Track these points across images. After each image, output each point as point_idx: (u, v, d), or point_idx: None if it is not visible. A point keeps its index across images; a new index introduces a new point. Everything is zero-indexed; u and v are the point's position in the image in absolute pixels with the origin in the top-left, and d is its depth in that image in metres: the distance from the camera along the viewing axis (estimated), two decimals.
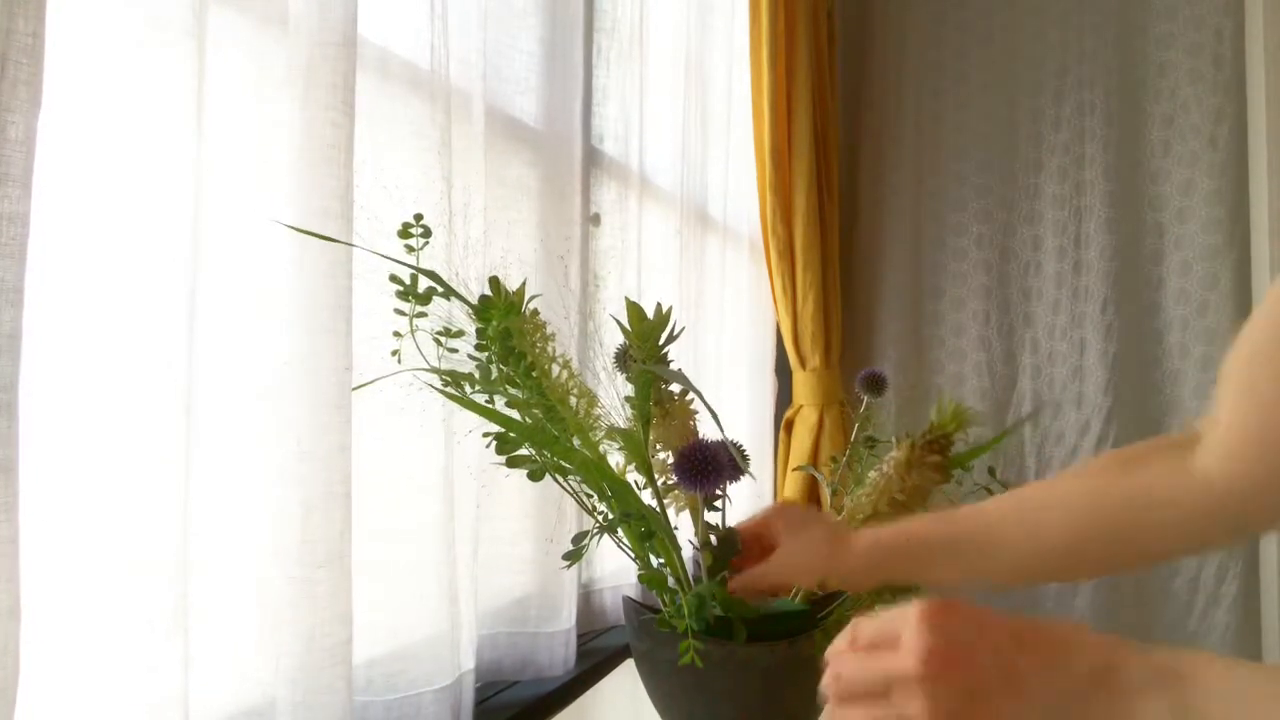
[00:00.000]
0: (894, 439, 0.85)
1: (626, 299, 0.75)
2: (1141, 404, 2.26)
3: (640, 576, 0.77)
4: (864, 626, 0.52)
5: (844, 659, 0.51)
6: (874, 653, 0.50)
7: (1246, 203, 2.17)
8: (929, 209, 2.41)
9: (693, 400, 0.81)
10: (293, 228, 0.69)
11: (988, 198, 2.36)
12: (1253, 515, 0.68)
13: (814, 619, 0.82)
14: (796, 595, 0.82)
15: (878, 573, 0.77)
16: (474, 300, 0.70)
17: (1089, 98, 2.28)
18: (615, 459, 0.78)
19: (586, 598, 1.31)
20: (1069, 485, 0.74)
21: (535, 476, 0.74)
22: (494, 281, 0.71)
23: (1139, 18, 2.25)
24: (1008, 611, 0.48)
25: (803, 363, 2.08)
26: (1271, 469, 0.65)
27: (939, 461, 0.83)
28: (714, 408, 0.77)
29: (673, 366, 0.80)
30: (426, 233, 0.68)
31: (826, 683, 0.52)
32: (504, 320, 0.69)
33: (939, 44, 2.43)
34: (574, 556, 0.77)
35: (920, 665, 0.46)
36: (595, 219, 1.26)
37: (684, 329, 0.79)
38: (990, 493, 0.87)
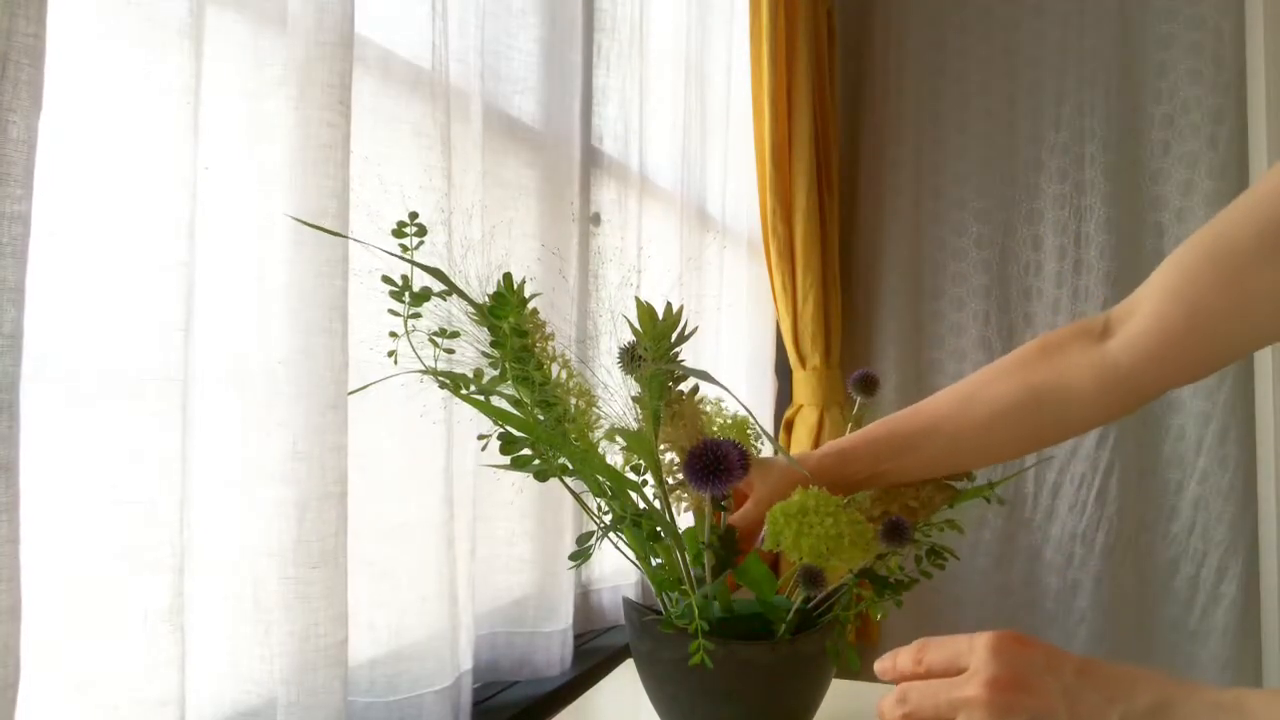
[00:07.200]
0: None
1: (637, 299, 0.75)
2: None
3: (650, 577, 0.77)
4: (931, 650, 0.54)
5: (912, 685, 0.53)
6: (942, 679, 0.52)
7: None
8: (929, 209, 2.41)
9: (702, 400, 0.81)
10: (297, 219, 0.69)
11: (988, 197, 2.36)
12: (1147, 398, 0.75)
13: (813, 617, 0.82)
14: (793, 594, 0.82)
15: (839, 475, 0.80)
16: (478, 299, 0.70)
17: (1089, 98, 2.28)
18: (614, 459, 0.77)
19: (585, 598, 1.31)
20: (996, 377, 0.83)
21: (541, 477, 0.74)
22: (507, 278, 0.71)
23: (1139, 18, 2.25)
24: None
25: (803, 362, 2.08)
26: (1185, 372, 0.72)
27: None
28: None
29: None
30: (421, 231, 0.68)
31: (890, 705, 0.54)
32: (517, 317, 0.69)
33: (939, 44, 2.43)
34: (580, 557, 0.77)
35: (988, 692, 0.48)
36: (595, 218, 1.26)
37: (696, 329, 0.79)
38: (988, 501, 0.88)
